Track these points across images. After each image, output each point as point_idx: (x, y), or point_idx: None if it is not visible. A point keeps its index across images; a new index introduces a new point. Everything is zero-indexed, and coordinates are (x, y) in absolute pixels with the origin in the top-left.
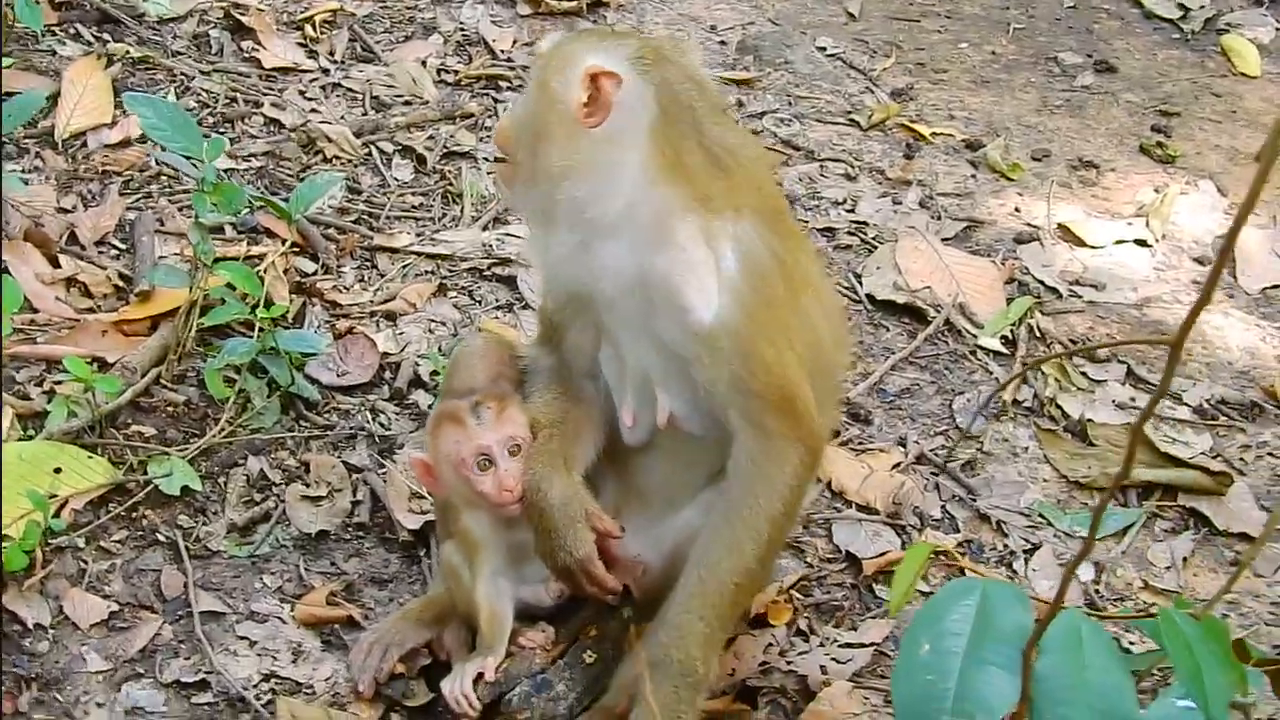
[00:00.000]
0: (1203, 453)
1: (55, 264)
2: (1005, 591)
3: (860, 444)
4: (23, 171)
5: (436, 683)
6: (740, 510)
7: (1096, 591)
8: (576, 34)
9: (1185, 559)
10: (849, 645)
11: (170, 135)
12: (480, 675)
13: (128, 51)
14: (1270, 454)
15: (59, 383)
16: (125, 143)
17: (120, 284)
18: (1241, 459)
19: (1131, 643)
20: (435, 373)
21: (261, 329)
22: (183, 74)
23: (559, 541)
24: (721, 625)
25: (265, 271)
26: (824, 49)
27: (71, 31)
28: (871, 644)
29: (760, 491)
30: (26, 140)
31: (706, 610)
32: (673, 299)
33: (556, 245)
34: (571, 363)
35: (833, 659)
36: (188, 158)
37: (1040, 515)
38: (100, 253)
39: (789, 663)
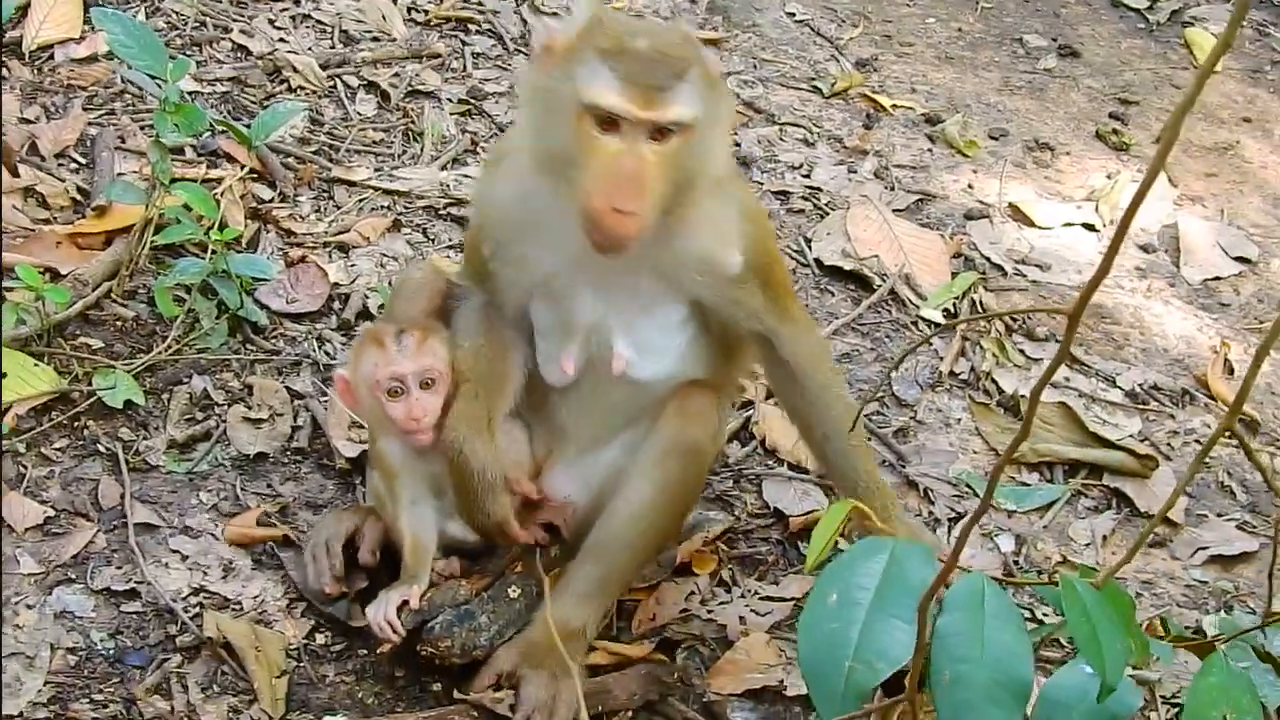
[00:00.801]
0: (1131, 435)
1: (15, 173)
2: (914, 550)
3: None
4: None
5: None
6: (818, 376)
7: (1016, 563)
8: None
9: (1105, 537)
10: (769, 598)
11: (137, 53)
12: (405, 603)
13: None
14: (1197, 441)
15: (10, 289)
16: (92, 58)
17: (78, 197)
18: (1169, 444)
19: (1045, 614)
20: (383, 306)
21: (214, 251)
22: None
23: (477, 504)
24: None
25: (222, 195)
26: (793, 15)
27: None
28: (791, 598)
29: (820, 359)
30: None
31: (856, 440)
32: (706, 256)
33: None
34: (500, 305)
35: (753, 610)
36: (152, 77)
37: (967, 485)
38: (60, 165)
39: (710, 611)
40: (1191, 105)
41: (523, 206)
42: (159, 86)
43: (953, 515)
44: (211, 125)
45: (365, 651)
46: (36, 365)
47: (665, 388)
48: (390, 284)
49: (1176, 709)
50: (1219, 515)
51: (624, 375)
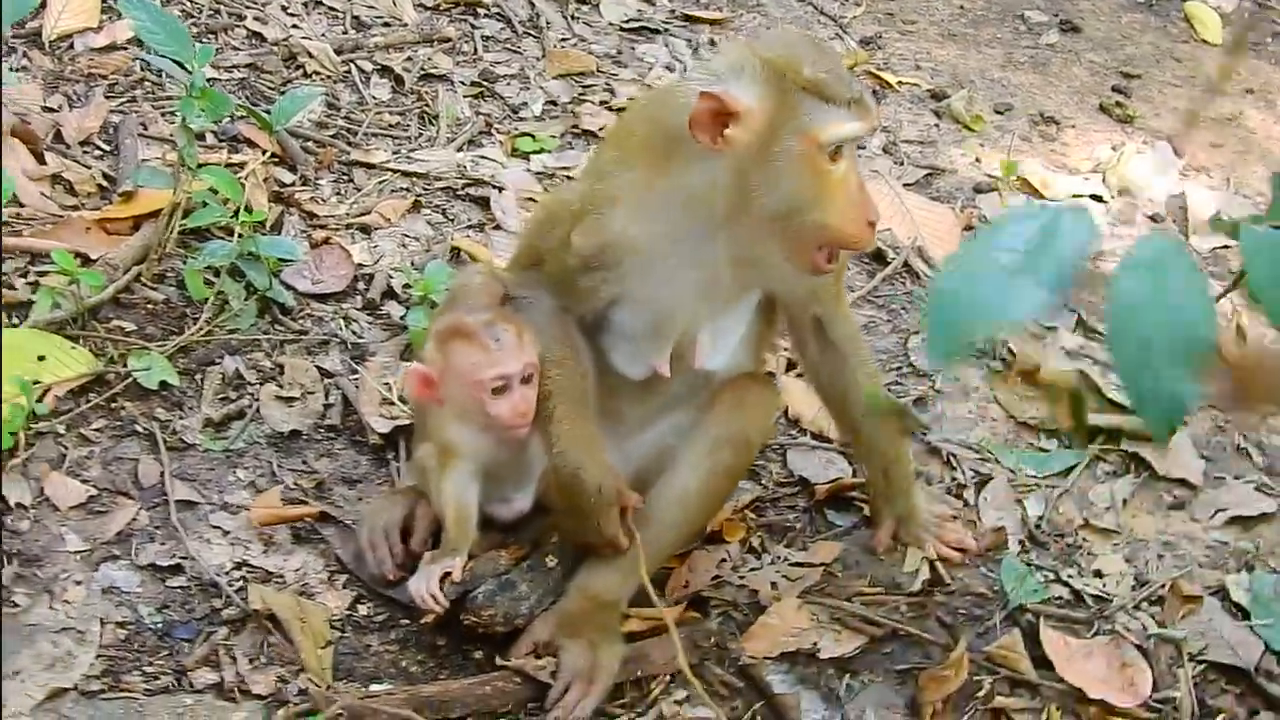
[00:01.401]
0: None
1: (41, 160)
2: (1078, 215)
3: None
4: (10, 70)
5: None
6: (859, 354)
7: (1038, 526)
8: None
9: (1125, 501)
10: (799, 564)
11: (163, 39)
12: (447, 574)
13: None
14: (1212, 405)
15: (43, 274)
16: (111, 47)
17: (104, 184)
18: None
19: (1069, 575)
20: (407, 285)
21: (241, 234)
22: None
23: (589, 523)
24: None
25: (245, 179)
26: None
27: None
28: (821, 563)
29: (860, 339)
30: (15, 40)
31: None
32: None
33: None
34: (576, 310)
35: (783, 576)
36: (178, 63)
37: (989, 451)
38: (84, 152)
39: (741, 578)
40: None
41: (666, 245)
42: (187, 71)
43: (978, 479)
44: (233, 111)
45: (408, 621)
46: (73, 348)
47: (725, 375)
48: (413, 264)
49: (1204, 665)
50: (1237, 478)
51: (699, 365)
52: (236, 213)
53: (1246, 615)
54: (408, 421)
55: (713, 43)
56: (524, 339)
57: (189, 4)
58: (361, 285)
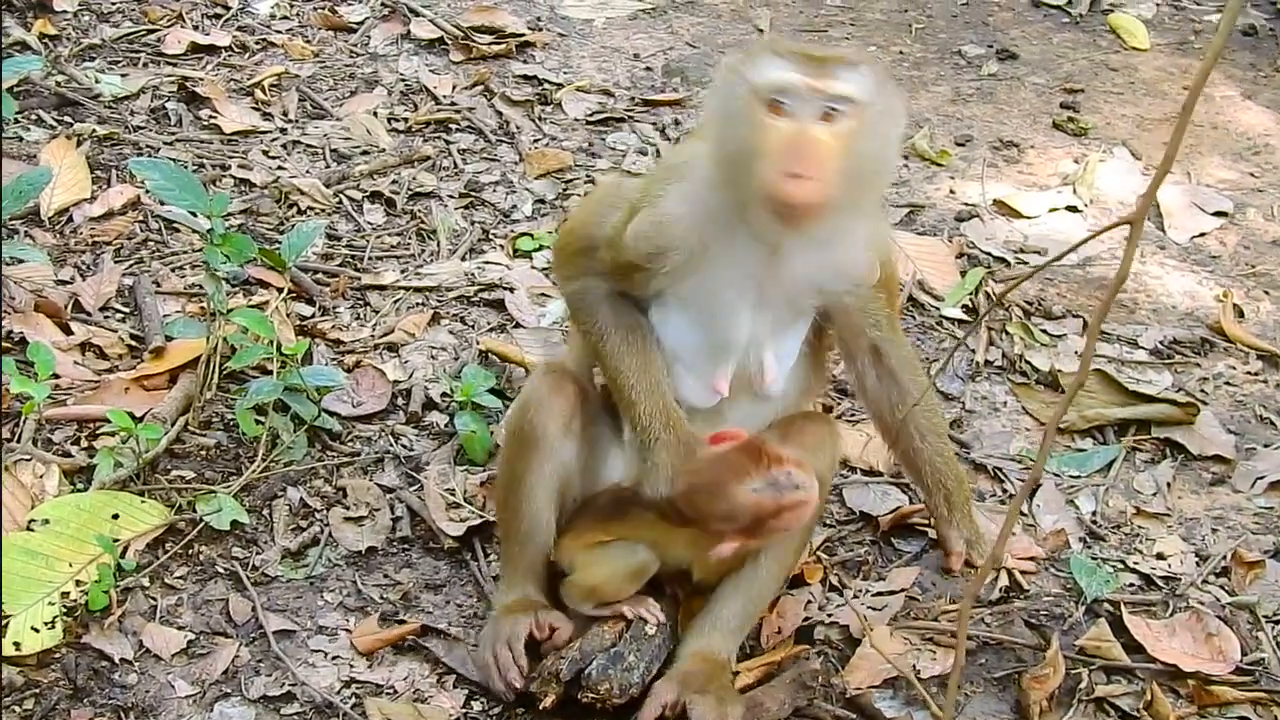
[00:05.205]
0: (1166, 388)
1: (67, 331)
2: None
3: (853, 415)
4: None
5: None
6: (918, 383)
7: (1094, 521)
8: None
9: (1169, 484)
10: (880, 594)
11: (177, 195)
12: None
13: (93, 130)
14: (1227, 383)
15: (95, 438)
16: (109, 214)
17: (133, 344)
18: (1202, 390)
19: (1136, 562)
20: (445, 394)
21: (284, 365)
22: (148, 146)
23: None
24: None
25: (271, 317)
26: None
27: (34, 117)
28: (901, 590)
29: (917, 366)
30: (15, 221)
31: (944, 443)
32: (861, 264)
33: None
34: (630, 294)
35: (869, 608)
36: (194, 214)
37: (1030, 459)
38: (106, 317)
39: (830, 615)
40: (1194, 105)
41: (713, 238)
42: (202, 223)
43: None
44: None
45: (522, 709)
46: (143, 501)
47: (780, 407)
48: (445, 371)
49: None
50: (1266, 445)
51: (765, 389)
52: (274, 348)
53: None
54: (478, 522)
55: (677, 123)
56: (803, 466)
57: (173, 162)
58: (401, 401)
